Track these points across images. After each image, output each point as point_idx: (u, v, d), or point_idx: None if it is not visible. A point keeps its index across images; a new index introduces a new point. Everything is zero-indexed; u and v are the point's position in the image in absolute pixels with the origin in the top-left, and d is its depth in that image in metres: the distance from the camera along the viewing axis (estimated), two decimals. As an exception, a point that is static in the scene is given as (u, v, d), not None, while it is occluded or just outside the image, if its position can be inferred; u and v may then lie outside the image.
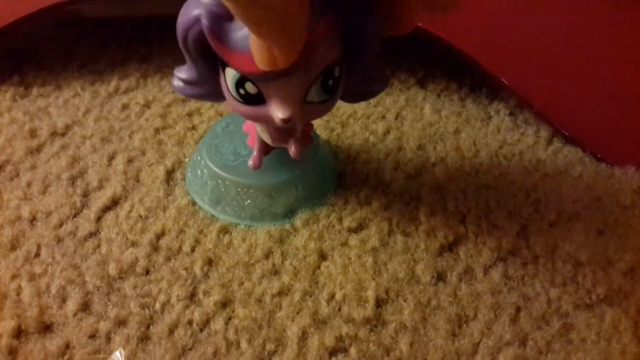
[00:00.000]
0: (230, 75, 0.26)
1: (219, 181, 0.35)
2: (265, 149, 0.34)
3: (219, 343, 0.29)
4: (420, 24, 0.41)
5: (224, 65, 0.26)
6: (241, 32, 0.24)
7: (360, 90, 0.30)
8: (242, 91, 0.26)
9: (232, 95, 0.27)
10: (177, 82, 0.29)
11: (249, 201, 0.34)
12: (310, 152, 0.36)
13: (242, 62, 0.25)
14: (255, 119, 0.29)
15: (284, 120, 0.26)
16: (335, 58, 0.26)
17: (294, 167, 0.35)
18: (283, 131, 0.31)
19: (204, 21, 0.24)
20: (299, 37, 0.22)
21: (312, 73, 0.26)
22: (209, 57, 0.26)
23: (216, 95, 0.28)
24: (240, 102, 0.27)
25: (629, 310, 0.32)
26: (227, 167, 0.35)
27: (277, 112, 0.26)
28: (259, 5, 0.19)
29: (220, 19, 0.24)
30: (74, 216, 0.35)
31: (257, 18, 0.20)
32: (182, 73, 0.28)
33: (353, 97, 0.31)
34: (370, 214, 0.36)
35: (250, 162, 0.34)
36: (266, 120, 0.27)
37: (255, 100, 0.27)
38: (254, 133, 0.33)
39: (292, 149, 0.31)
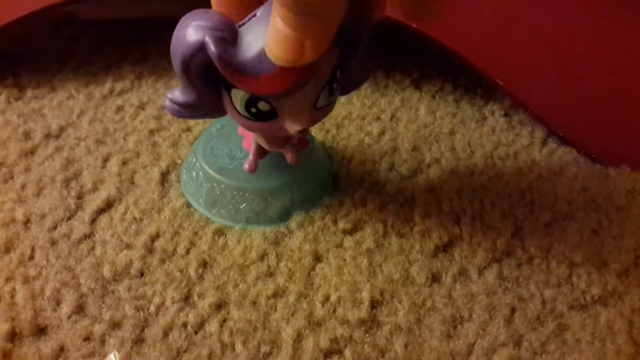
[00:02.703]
0: (238, 97, 0.26)
1: (215, 184, 0.35)
2: (261, 152, 0.34)
3: (213, 345, 0.29)
4: (414, 25, 0.41)
5: (228, 87, 0.26)
6: (250, 54, 0.23)
7: (349, 83, 0.31)
8: (253, 110, 0.26)
9: (240, 114, 0.27)
10: (171, 106, 0.27)
11: (244, 204, 0.34)
12: (306, 155, 0.36)
13: (257, 85, 0.24)
14: (266, 132, 0.28)
15: (300, 132, 0.26)
16: (337, 62, 0.26)
17: (290, 171, 0.35)
18: (280, 136, 0.31)
19: (213, 49, 0.23)
20: (333, 32, 0.22)
21: (321, 81, 0.26)
22: (210, 80, 0.26)
23: (213, 113, 0.28)
24: (250, 119, 0.27)
25: (624, 310, 0.32)
26: (223, 170, 0.35)
27: (294, 125, 0.26)
28: None
29: (227, 43, 0.23)
30: (68, 218, 0.35)
31: (311, 7, 0.20)
32: (178, 96, 0.27)
33: (344, 90, 0.31)
34: (365, 215, 0.36)
35: (246, 166, 0.34)
36: (277, 132, 0.27)
37: (267, 116, 0.26)
38: (250, 136, 0.33)
39: (289, 154, 0.31)
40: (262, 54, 0.23)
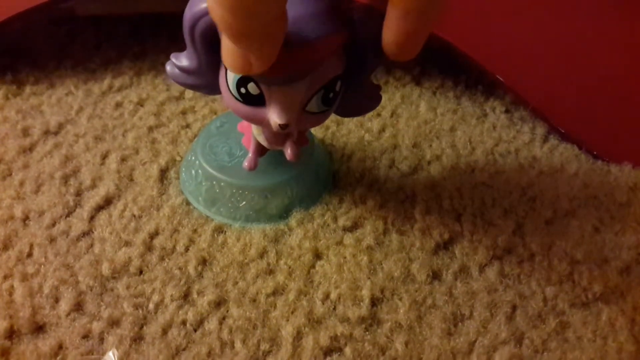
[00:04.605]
0: (232, 73, 0.26)
1: (214, 182, 0.34)
2: (260, 150, 0.33)
3: (213, 343, 0.29)
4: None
5: None
6: None
7: (354, 107, 0.31)
8: (243, 90, 0.26)
9: (231, 92, 0.27)
10: (172, 69, 0.28)
11: (244, 202, 0.34)
12: (306, 152, 0.35)
13: None
14: (250, 119, 0.28)
15: (281, 126, 0.26)
16: (338, 73, 0.26)
17: (290, 168, 0.35)
18: (279, 134, 0.31)
19: None
20: (277, 46, 0.22)
21: (316, 84, 0.26)
22: (213, 49, 0.26)
23: (210, 87, 0.28)
24: (238, 100, 0.27)
25: (625, 308, 0.32)
26: (223, 168, 0.34)
27: (276, 117, 0.26)
28: (250, 16, 0.19)
29: None
30: (67, 215, 0.35)
31: (244, 29, 0.20)
32: (180, 60, 0.28)
33: (346, 112, 0.31)
34: (365, 212, 0.36)
35: (246, 164, 0.33)
36: (261, 122, 0.27)
37: (255, 101, 0.26)
38: (249, 133, 0.33)
39: (289, 152, 0.31)
40: None
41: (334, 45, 0.24)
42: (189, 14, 0.25)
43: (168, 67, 0.28)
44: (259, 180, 0.34)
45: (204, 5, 0.24)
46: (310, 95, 0.26)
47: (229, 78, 0.26)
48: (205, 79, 0.28)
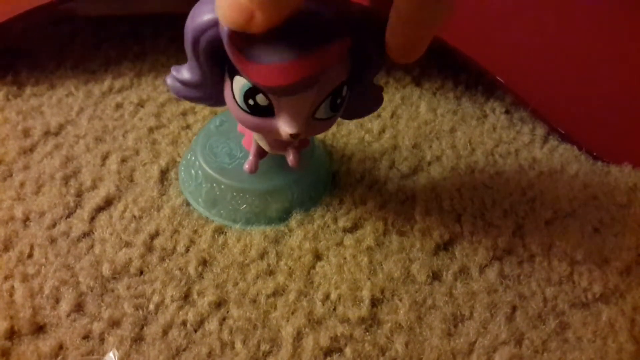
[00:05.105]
0: (239, 85, 0.25)
1: (214, 184, 0.34)
2: (261, 152, 0.33)
3: (213, 344, 0.29)
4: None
5: (232, 73, 0.25)
6: (264, 43, 0.23)
7: (357, 109, 0.30)
8: (251, 102, 0.26)
9: (237, 104, 0.26)
10: (173, 82, 0.27)
11: (244, 205, 0.34)
12: (306, 154, 0.35)
13: (263, 75, 0.23)
14: (259, 130, 0.28)
15: (292, 136, 0.26)
16: (345, 78, 0.26)
17: (290, 171, 0.34)
18: (282, 140, 0.31)
19: (226, 27, 0.22)
20: (287, 11, 0.21)
21: (325, 91, 0.25)
22: (216, 62, 0.25)
23: (213, 99, 0.28)
24: (246, 112, 0.26)
25: (625, 308, 0.32)
26: (223, 170, 0.34)
27: (286, 127, 0.26)
28: None
29: None
30: (68, 216, 0.35)
31: None
32: (182, 74, 0.27)
33: (349, 114, 0.31)
34: (365, 213, 0.36)
35: (247, 167, 0.33)
36: (270, 132, 0.27)
37: (263, 112, 0.26)
38: (250, 134, 0.33)
39: (291, 158, 0.31)
40: (271, 45, 0.23)
41: (341, 51, 0.24)
42: (191, 26, 0.24)
43: (169, 81, 0.27)
44: (259, 184, 0.34)
45: (207, 17, 0.23)
46: (319, 103, 0.26)
47: (236, 90, 0.26)
48: (208, 91, 0.27)
